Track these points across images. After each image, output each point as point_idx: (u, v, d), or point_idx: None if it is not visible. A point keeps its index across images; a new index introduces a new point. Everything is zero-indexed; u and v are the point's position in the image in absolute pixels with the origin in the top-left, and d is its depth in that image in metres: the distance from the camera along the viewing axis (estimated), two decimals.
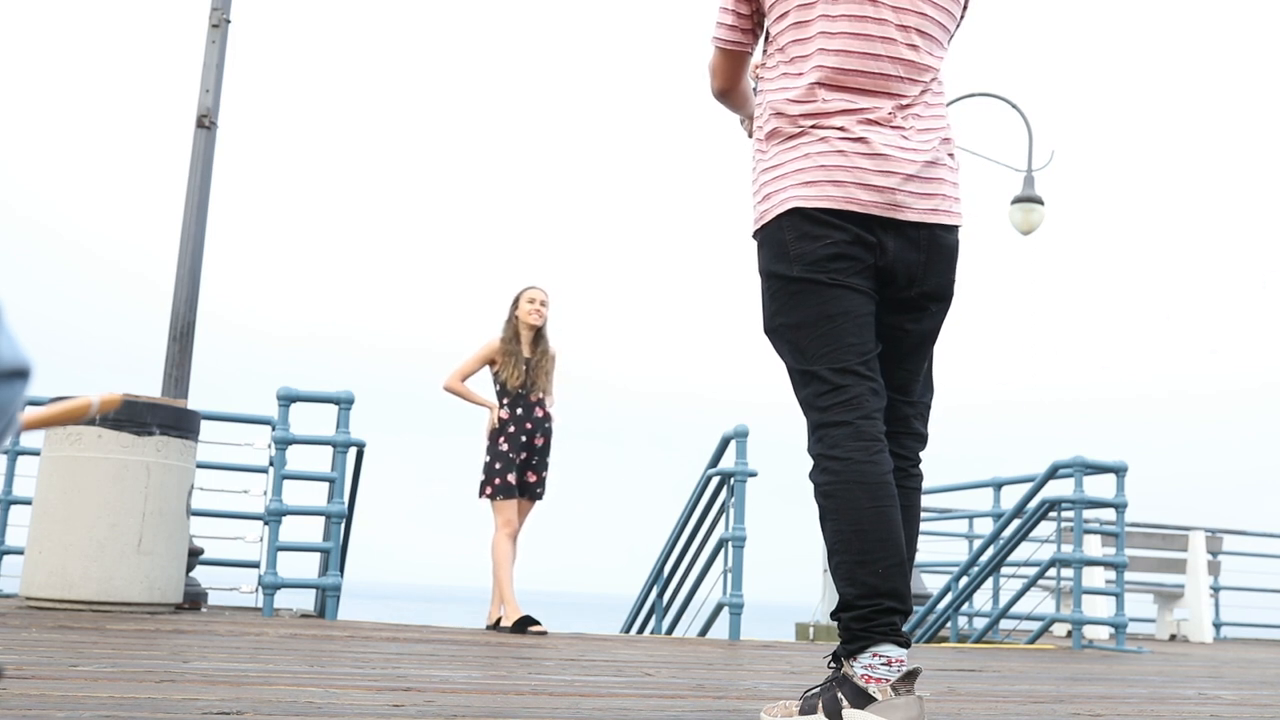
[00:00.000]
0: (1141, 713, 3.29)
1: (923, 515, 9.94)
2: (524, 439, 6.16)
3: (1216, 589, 10.54)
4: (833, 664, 2.33)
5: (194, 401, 6.39)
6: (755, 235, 2.51)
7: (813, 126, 2.41)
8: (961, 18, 2.61)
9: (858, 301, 2.38)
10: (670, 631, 7.91)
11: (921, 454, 2.53)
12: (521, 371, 6.20)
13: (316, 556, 6.36)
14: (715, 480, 7.24)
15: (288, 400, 6.10)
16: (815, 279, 2.37)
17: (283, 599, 6.26)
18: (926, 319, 2.49)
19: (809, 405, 2.42)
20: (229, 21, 6.73)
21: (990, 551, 8.24)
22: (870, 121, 2.39)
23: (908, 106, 2.43)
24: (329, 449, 6.25)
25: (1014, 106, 11.11)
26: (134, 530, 5.43)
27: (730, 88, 2.70)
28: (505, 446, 6.12)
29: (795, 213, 2.38)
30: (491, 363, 6.27)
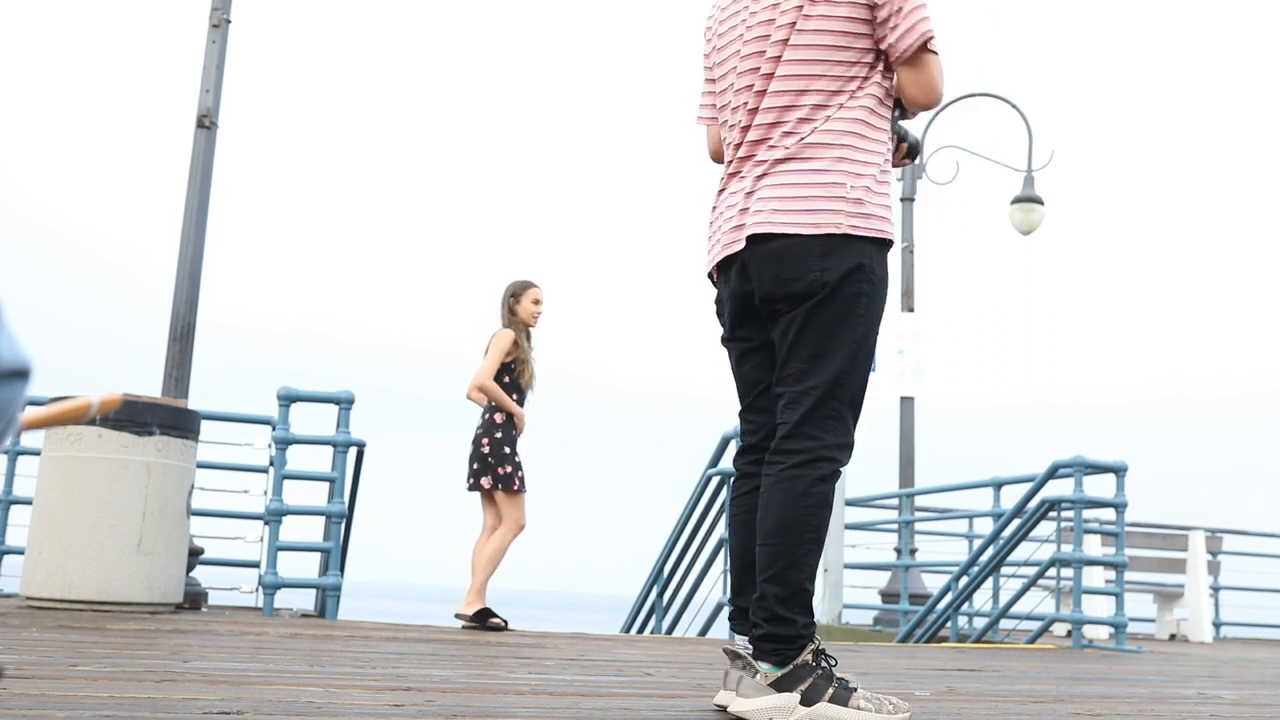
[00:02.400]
0: (1141, 713, 3.29)
1: (922, 515, 9.98)
2: (517, 439, 6.18)
3: (1216, 589, 10.54)
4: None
5: (194, 401, 6.40)
6: None
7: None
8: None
9: (732, 348, 2.87)
10: (670, 631, 7.91)
11: (782, 456, 2.64)
12: (533, 371, 6.20)
13: (316, 556, 6.36)
14: (715, 480, 7.24)
15: (288, 400, 6.10)
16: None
17: (283, 599, 6.26)
18: (775, 329, 2.72)
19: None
20: (229, 21, 6.73)
21: (990, 551, 8.24)
22: (726, 176, 2.81)
23: (748, 157, 2.72)
24: (329, 449, 6.25)
25: (1014, 106, 11.11)
26: (134, 530, 5.43)
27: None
28: (517, 443, 6.13)
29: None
30: (507, 358, 6.20)
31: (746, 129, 2.70)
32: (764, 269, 2.64)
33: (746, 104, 2.70)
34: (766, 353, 2.78)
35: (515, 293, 6.28)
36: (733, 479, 2.89)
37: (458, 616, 6.04)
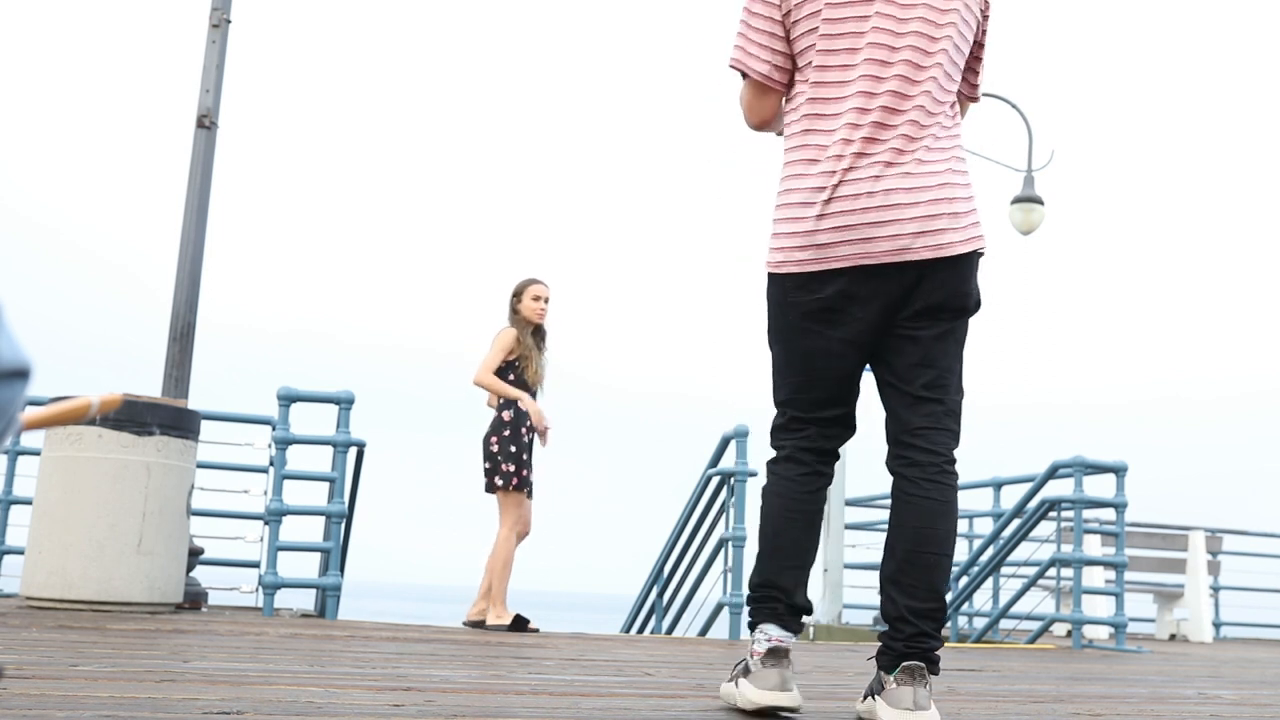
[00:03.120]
0: (1141, 713, 3.29)
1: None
2: (528, 437, 6.17)
3: (1216, 589, 10.54)
4: (871, 658, 2.69)
5: (194, 401, 6.40)
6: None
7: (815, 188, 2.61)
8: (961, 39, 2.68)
9: (834, 358, 2.66)
10: (670, 631, 7.91)
11: (947, 464, 2.64)
12: (540, 368, 6.20)
13: (316, 556, 6.36)
14: (715, 480, 7.25)
15: (288, 400, 6.10)
16: (799, 326, 2.67)
17: (283, 599, 6.26)
18: (923, 342, 2.64)
19: (772, 429, 2.81)
20: (229, 21, 6.73)
21: (990, 551, 8.24)
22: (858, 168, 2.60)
23: (893, 148, 2.58)
24: (329, 449, 6.25)
25: (1014, 106, 11.11)
26: (134, 530, 5.43)
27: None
28: (527, 440, 6.13)
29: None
30: (510, 356, 6.22)
31: (891, 112, 2.56)
32: (947, 279, 2.58)
33: (895, 90, 2.56)
34: (865, 355, 2.69)
35: (518, 290, 6.30)
36: (792, 472, 2.72)
37: (490, 627, 6.00)
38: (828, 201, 2.56)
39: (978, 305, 2.69)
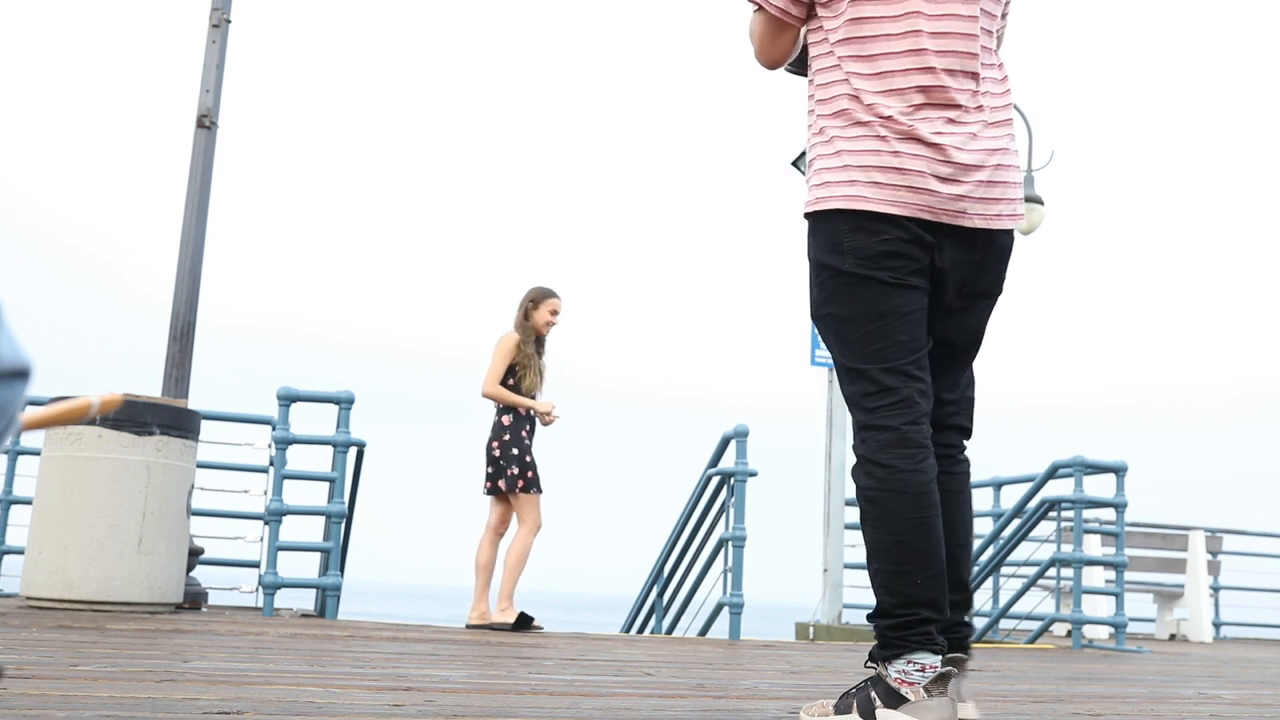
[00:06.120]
0: (1141, 712, 3.29)
1: None
2: (529, 439, 6.18)
3: (1216, 589, 10.54)
4: (869, 664, 2.38)
5: (194, 401, 6.39)
6: (807, 217, 2.45)
7: (886, 119, 2.33)
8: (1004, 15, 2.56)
9: (910, 298, 2.35)
10: (670, 631, 7.92)
11: (967, 444, 2.54)
12: (539, 376, 6.21)
13: (316, 556, 6.36)
14: (715, 480, 7.25)
15: (288, 400, 6.10)
16: (868, 275, 2.33)
17: (283, 599, 6.26)
18: (974, 316, 2.49)
19: (855, 403, 2.40)
20: (229, 21, 6.73)
21: (990, 551, 8.24)
22: (947, 120, 2.35)
23: (977, 107, 2.39)
24: (329, 449, 6.25)
25: (1014, 106, 11.11)
26: (134, 530, 5.43)
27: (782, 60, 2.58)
28: (528, 442, 6.14)
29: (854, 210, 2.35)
30: (510, 361, 6.21)
31: (971, 76, 2.38)
32: (1000, 259, 2.45)
33: (968, 49, 2.37)
34: (925, 318, 2.42)
35: (535, 299, 6.27)
36: (913, 460, 2.31)
37: (494, 627, 5.99)
38: (914, 141, 2.32)
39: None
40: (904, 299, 2.34)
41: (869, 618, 2.39)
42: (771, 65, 2.56)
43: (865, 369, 2.36)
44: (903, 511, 2.29)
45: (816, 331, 2.53)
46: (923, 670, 2.27)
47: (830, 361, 9.75)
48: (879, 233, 2.32)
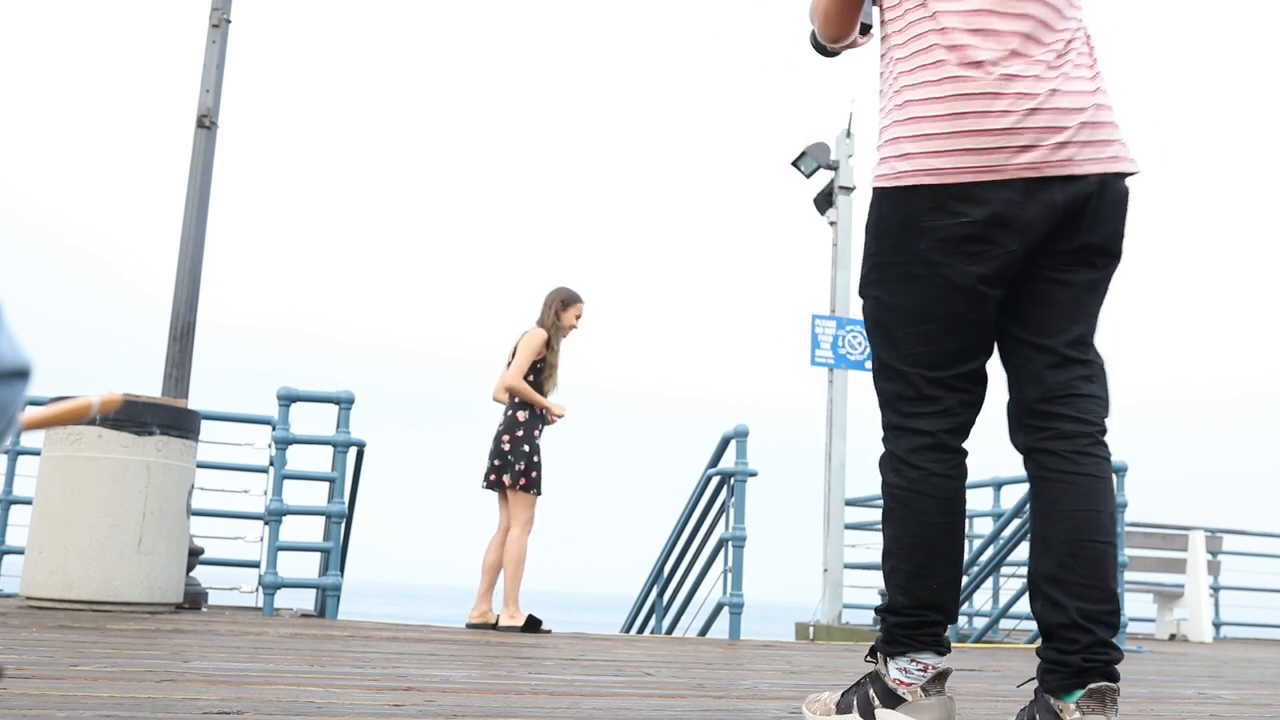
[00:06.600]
0: (1141, 712, 3.28)
1: None
2: (540, 438, 6.19)
3: (1216, 589, 10.55)
4: (869, 658, 2.35)
5: (194, 401, 6.40)
6: (876, 191, 2.24)
7: (978, 64, 2.14)
8: None
9: (976, 302, 2.17)
10: (670, 631, 7.92)
11: (1106, 421, 2.22)
12: (557, 376, 6.23)
13: (316, 556, 6.37)
14: (715, 480, 7.25)
15: (288, 400, 6.10)
16: (937, 262, 2.15)
17: (283, 599, 6.26)
18: (1086, 272, 2.21)
19: (888, 402, 2.28)
20: (229, 21, 6.73)
21: (990, 551, 8.24)
22: (1046, 65, 2.15)
23: (1064, 52, 2.18)
24: (329, 449, 6.25)
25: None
26: (134, 530, 5.43)
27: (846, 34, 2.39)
28: (539, 442, 6.14)
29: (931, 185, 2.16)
30: (536, 357, 6.19)
31: (1060, 14, 2.19)
32: (1113, 213, 2.16)
33: None
34: (998, 302, 2.22)
35: (566, 300, 6.29)
36: (942, 465, 2.21)
37: (503, 628, 5.98)
38: (994, 96, 2.11)
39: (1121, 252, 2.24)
40: (969, 302, 2.16)
41: (877, 610, 2.35)
42: (834, 39, 2.38)
43: (907, 372, 2.23)
44: (930, 515, 2.21)
45: (862, 314, 2.32)
46: (924, 669, 2.25)
47: (830, 362, 9.79)
48: (961, 214, 2.11)
